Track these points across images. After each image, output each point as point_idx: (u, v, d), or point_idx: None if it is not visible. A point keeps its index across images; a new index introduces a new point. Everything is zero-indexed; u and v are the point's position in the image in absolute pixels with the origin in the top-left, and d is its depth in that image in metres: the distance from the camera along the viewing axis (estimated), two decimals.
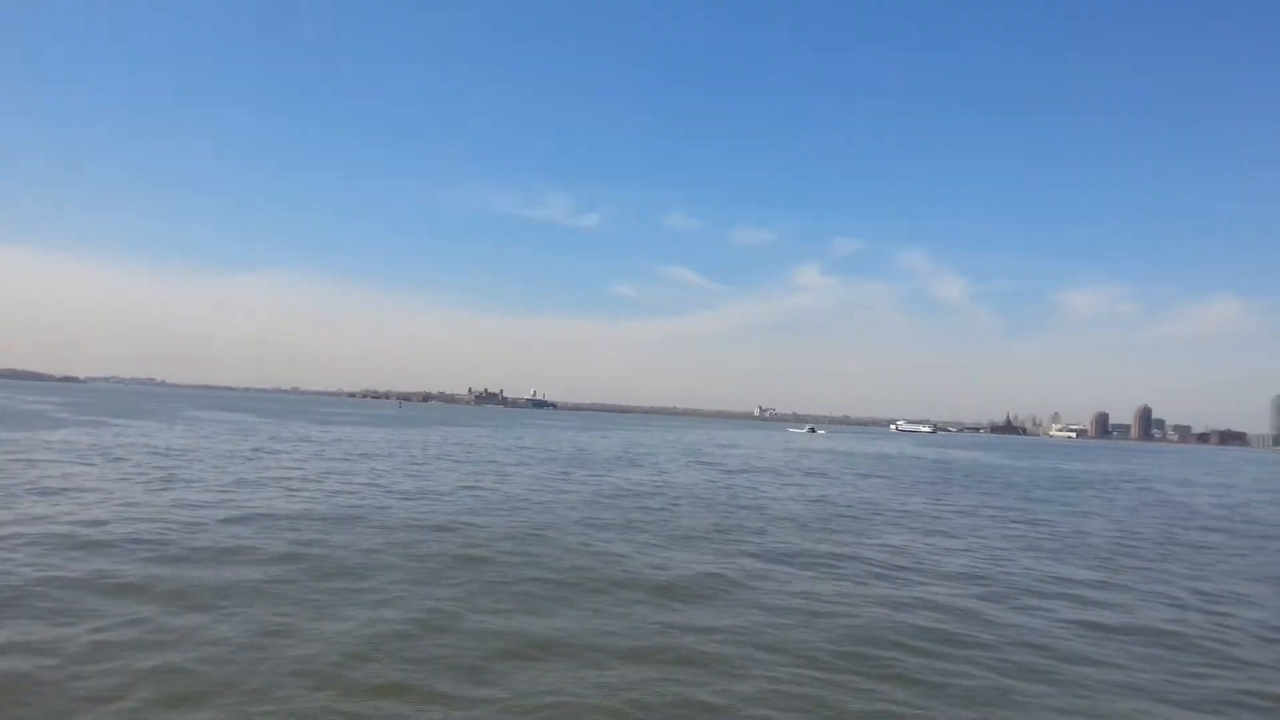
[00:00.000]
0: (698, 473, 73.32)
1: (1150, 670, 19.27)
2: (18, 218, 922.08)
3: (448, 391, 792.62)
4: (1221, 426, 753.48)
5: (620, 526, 36.94)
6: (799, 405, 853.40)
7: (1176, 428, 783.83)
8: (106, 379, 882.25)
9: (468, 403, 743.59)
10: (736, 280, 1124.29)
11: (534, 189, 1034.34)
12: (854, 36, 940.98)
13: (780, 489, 60.59)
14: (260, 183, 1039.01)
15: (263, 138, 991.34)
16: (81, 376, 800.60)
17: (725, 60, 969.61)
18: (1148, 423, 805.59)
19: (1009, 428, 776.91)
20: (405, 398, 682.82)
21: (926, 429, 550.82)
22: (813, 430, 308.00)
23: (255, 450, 69.47)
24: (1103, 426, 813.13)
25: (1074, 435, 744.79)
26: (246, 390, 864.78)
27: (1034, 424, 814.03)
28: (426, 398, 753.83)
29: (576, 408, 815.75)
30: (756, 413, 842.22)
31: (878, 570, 29.71)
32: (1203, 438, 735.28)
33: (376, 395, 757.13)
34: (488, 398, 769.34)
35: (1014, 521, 47.67)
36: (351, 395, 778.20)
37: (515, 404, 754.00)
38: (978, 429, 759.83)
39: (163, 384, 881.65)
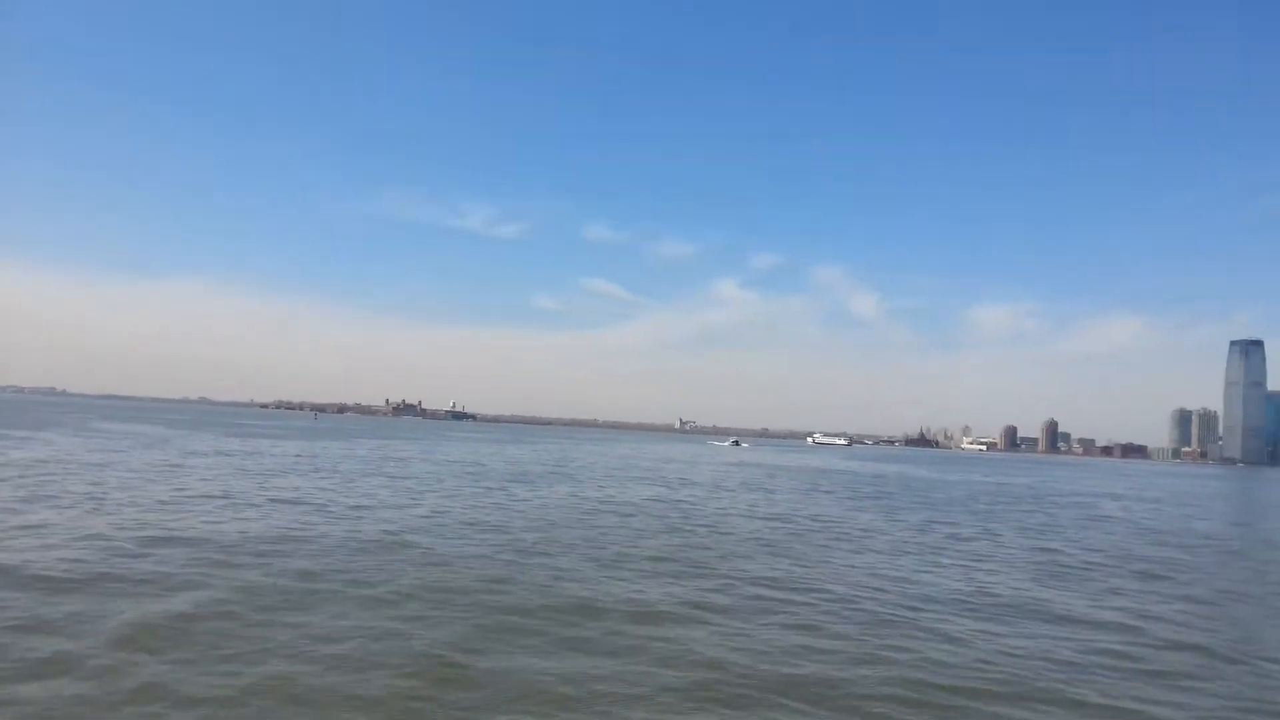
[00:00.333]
0: (642, 488, 71.16)
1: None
2: None
3: (364, 403, 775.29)
4: (1123, 439, 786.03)
5: (586, 551, 34.40)
6: (718, 418, 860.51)
7: (1081, 441, 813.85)
8: (3, 388, 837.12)
9: (385, 414, 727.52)
10: (657, 293, 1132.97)
11: (454, 198, 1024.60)
12: (774, 60, 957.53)
13: (731, 505, 58.75)
14: (169, 188, 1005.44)
15: (173, 142, 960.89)
16: None
17: (646, 76, 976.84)
18: (1054, 436, 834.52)
19: (923, 441, 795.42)
20: (320, 409, 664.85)
21: (842, 441, 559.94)
22: (736, 443, 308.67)
23: (172, 465, 64.71)
24: (1012, 439, 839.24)
25: (984, 448, 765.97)
26: (154, 400, 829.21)
27: (946, 437, 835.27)
28: (342, 409, 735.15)
29: (496, 419, 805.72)
30: (677, 425, 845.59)
31: (882, 604, 27.85)
32: (1106, 451, 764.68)
33: (290, 406, 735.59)
34: (405, 409, 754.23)
35: (974, 539, 46.62)
36: (263, 406, 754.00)
37: (434, 415, 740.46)
38: (892, 442, 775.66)
39: (65, 394, 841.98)
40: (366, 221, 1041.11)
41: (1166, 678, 20.20)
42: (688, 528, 44.25)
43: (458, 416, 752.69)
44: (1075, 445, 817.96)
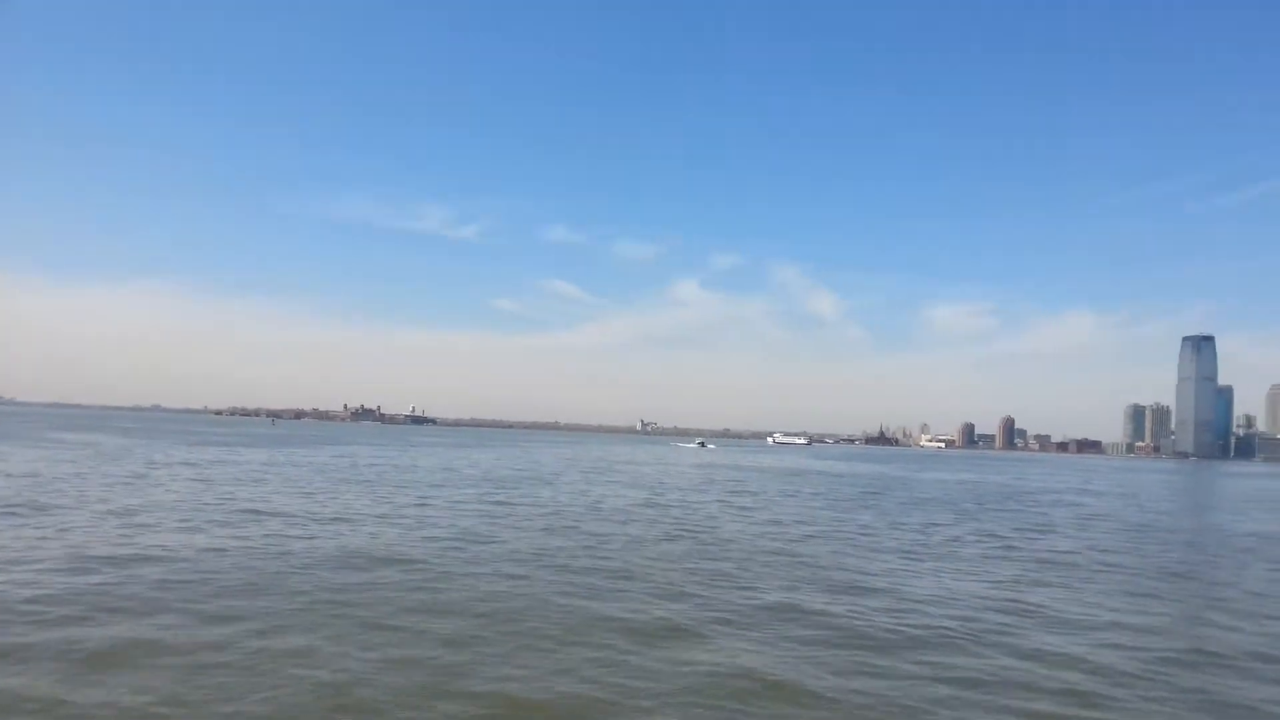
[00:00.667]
0: (626, 491, 69.18)
1: None
2: None
3: (321, 408, 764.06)
4: (1077, 435, 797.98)
5: (594, 562, 32.19)
6: (680, 419, 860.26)
7: (1037, 437, 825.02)
8: None
9: (343, 419, 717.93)
10: (617, 294, 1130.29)
11: (410, 200, 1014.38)
12: (729, 60, 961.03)
13: (720, 511, 56.81)
14: (120, 188, 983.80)
15: (120, 142, 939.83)
16: None
17: (602, 76, 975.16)
18: (1011, 432, 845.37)
19: (882, 439, 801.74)
20: (277, 415, 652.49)
21: (802, 440, 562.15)
22: (702, 444, 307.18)
23: (135, 476, 61.31)
24: (969, 436, 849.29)
25: (943, 445, 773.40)
26: (105, 408, 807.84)
27: (905, 435, 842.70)
28: (299, 415, 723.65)
29: (457, 423, 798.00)
30: (639, 427, 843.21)
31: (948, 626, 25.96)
32: (1062, 446, 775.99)
33: (245, 413, 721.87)
34: (364, 414, 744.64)
35: (980, 540, 45.23)
36: (218, 413, 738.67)
37: (394, 420, 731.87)
38: (853, 440, 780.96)
39: (11, 402, 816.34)
40: (319, 223, 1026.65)
41: None
42: (687, 534, 42.31)
43: (418, 421, 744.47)
44: (1032, 441, 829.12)
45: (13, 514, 38.23)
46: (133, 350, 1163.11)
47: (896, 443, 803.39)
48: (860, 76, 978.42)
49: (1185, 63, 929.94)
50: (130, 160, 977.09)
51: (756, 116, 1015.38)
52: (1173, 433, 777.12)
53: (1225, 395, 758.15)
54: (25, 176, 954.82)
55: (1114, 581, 33.29)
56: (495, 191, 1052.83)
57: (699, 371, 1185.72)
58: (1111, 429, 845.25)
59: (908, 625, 23.62)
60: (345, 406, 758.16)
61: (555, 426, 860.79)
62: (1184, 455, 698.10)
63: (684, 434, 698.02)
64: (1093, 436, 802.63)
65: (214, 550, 30.86)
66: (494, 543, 36.26)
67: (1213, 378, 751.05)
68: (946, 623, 24.15)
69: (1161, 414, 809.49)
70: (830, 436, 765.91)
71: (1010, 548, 42.63)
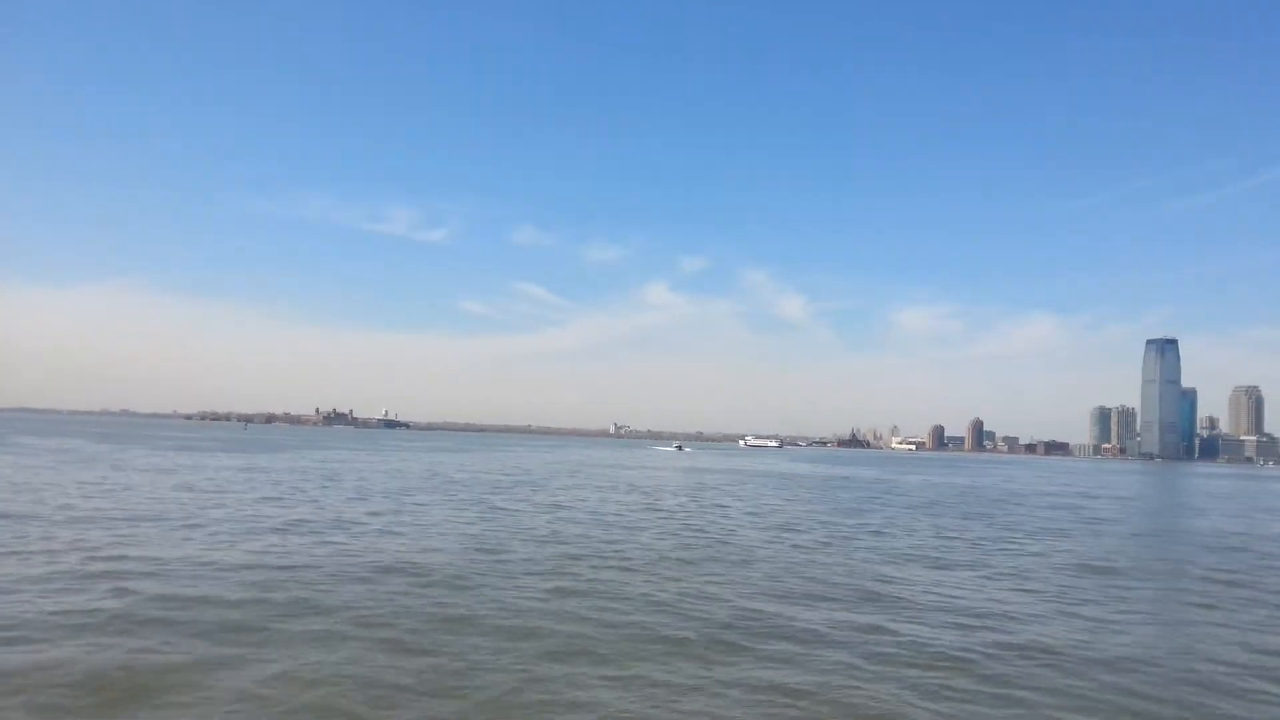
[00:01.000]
0: (622, 497, 68.33)
1: None
2: None
3: (292, 412, 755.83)
4: (1045, 437, 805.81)
5: (624, 574, 31.35)
6: (652, 422, 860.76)
7: (1006, 439, 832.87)
8: None
9: (315, 423, 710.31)
10: (587, 297, 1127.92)
11: (376, 201, 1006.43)
12: (697, 60, 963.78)
13: (725, 518, 55.97)
14: (85, 188, 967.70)
15: (87, 134, 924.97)
16: None
17: (571, 76, 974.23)
18: (980, 434, 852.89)
19: (854, 441, 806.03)
20: (248, 419, 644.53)
21: (774, 444, 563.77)
22: (680, 448, 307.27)
23: (109, 481, 59.53)
24: (939, 438, 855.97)
25: (913, 448, 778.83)
26: (73, 413, 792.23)
27: (875, 437, 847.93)
28: (270, 419, 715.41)
29: (429, 427, 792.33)
30: (612, 430, 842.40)
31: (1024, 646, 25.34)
32: (1030, 448, 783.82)
33: (216, 417, 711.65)
34: (336, 418, 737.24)
35: (1001, 546, 44.88)
36: (188, 417, 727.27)
37: (366, 424, 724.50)
38: (824, 443, 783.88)
39: None
40: (286, 225, 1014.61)
41: None
42: (703, 542, 41.50)
43: (390, 424, 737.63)
44: (1000, 443, 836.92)
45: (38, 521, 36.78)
46: (99, 353, 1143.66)
47: (868, 445, 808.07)
48: (828, 81, 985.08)
49: (1146, 70, 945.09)
50: (94, 158, 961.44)
51: (723, 120, 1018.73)
52: (1138, 434, 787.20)
53: (1189, 397, 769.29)
54: None
55: (1162, 589, 32.99)
56: (463, 194, 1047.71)
57: (670, 374, 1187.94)
58: (1078, 431, 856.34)
59: (996, 643, 23.02)
60: (317, 410, 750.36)
61: (528, 430, 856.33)
62: (1149, 457, 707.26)
63: (657, 437, 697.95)
64: (1060, 438, 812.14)
65: (279, 564, 29.70)
66: (505, 552, 35.33)
67: (1176, 380, 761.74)
68: (1044, 640, 23.60)
69: (1127, 416, 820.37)
70: (802, 439, 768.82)
71: (1039, 555, 42.31)
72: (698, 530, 46.44)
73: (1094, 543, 48.55)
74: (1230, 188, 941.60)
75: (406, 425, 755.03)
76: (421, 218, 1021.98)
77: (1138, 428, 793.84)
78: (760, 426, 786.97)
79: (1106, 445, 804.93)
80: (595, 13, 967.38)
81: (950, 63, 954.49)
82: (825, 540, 43.93)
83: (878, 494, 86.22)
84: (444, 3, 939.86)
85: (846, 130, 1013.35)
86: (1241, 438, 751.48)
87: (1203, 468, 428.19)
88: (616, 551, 36.69)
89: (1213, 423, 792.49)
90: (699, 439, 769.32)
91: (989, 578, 33.58)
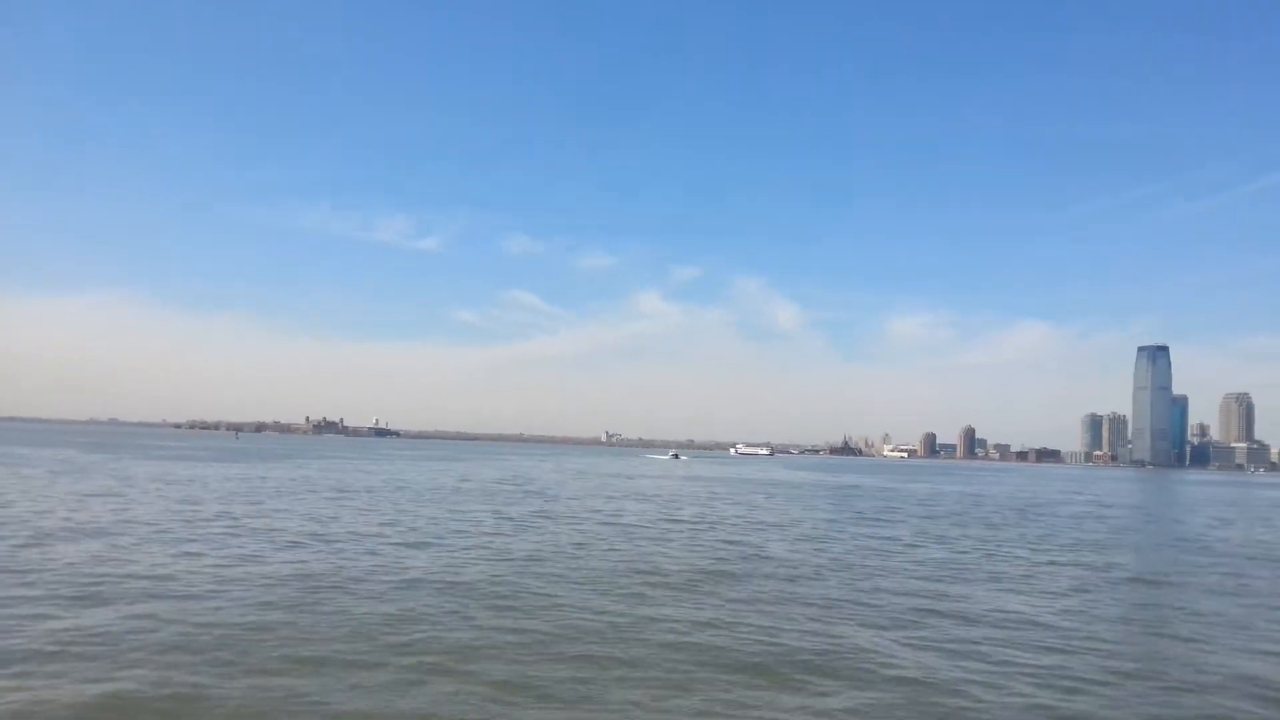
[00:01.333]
0: (636, 506, 67.19)
1: None
2: None
3: (282, 421, 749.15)
4: (1036, 444, 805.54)
5: (684, 591, 30.00)
6: (644, 430, 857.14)
7: (997, 446, 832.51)
8: None
9: (305, 432, 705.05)
10: (579, 305, 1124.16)
11: (367, 210, 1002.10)
12: (691, 69, 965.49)
13: (749, 529, 54.74)
14: (74, 197, 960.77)
15: (77, 142, 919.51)
16: None
17: (564, 85, 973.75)
18: (972, 442, 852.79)
19: (846, 449, 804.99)
20: (237, 428, 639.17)
21: (765, 451, 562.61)
22: (675, 456, 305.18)
23: (109, 492, 57.84)
24: (931, 446, 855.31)
25: (905, 455, 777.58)
26: (61, 422, 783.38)
27: (867, 445, 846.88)
28: (260, 428, 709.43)
29: (420, 435, 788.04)
30: (604, 438, 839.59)
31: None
32: (1022, 456, 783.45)
33: (205, 426, 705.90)
34: (327, 426, 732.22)
35: (1051, 558, 43.70)
36: (177, 426, 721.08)
37: (357, 433, 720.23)
38: (817, 450, 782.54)
39: None
40: (276, 233, 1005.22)
41: None
42: (738, 556, 40.24)
43: (381, 433, 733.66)
44: (992, 451, 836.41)
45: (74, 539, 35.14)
46: (86, 363, 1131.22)
47: (860, 452, 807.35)
48: (820, 90, 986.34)
49: (1137, 78, 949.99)
50: (84, 166, 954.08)
51: (716, 129, 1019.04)
52: (1129, 442, 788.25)
53: (1180, 404, 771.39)
54: None
55: (1244, 605, 31.82)
56: (456, 203, 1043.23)
57: (662, 383, 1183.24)
58: (1069, 438, 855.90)
59: (1101, 668, 21.75)
60: (307, 419, 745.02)
61: (520, 439, 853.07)
62: (1141, 464, 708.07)
63: (649, 445, 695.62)
64: (1051, 445, 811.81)
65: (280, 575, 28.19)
66: (533, 561, 33.96)
67: (1167, 387, 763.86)
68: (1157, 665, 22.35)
69: (1118, 423, 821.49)
70: (794, 447, 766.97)
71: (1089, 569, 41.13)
72: (727, 542, 45.15)
73: (1144, 557, 47.43)
74: (1220, 196, 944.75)
75: (397, 434, 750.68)
76: (414, 226, 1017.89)
77: (1129, 435, 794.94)
78: (751, 434, 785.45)
79: (1098, 452, 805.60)
80: (587, 23, 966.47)
81: (944, 69, 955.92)
82: (863, 553, 42.67)
83: (893, 503, 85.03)
84: (438, 10, 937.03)
85: (839, 139, 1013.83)
86: (1232, 445, 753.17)
87: (1194, 475, 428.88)
88: (654, 565, 35.37)
89: (1203, 430, 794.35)
90: (690, 447, 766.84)
91: (1055, 594, 32.36)
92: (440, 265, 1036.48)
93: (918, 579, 34.14)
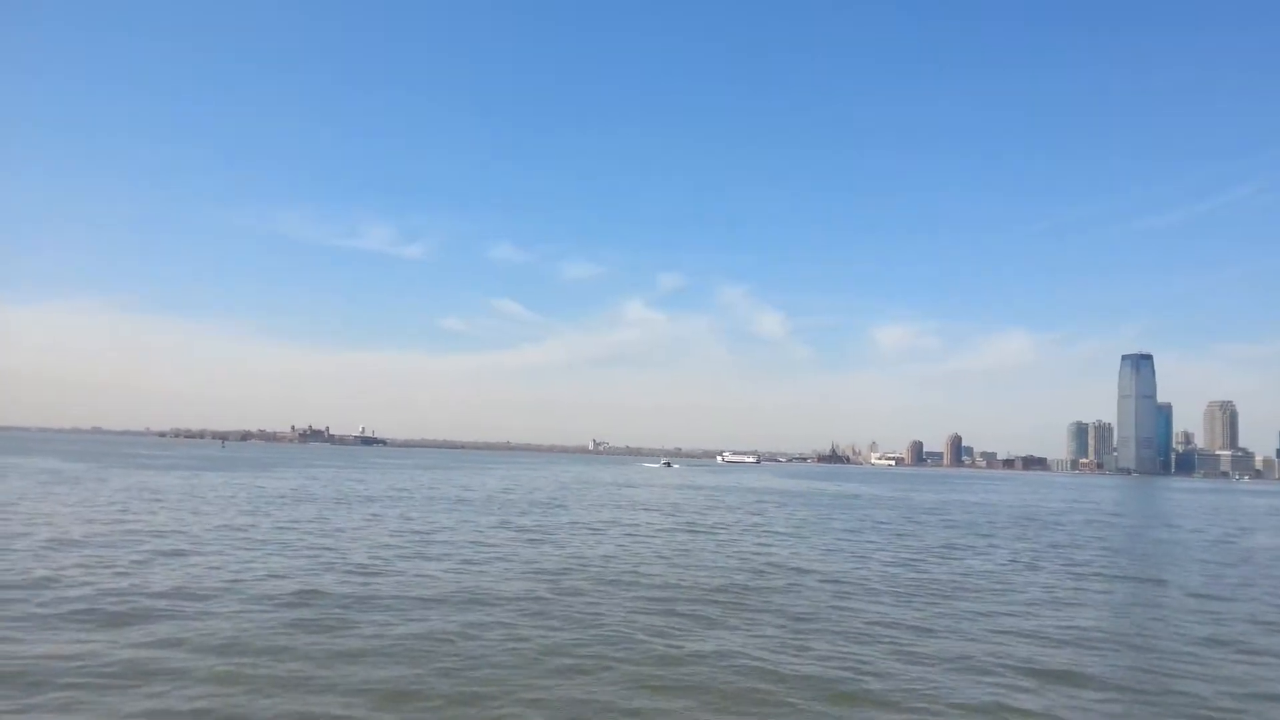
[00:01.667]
0: (648, 518, 65.41)
1: None
2: None
3: (268, 429, 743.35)
4: (1022, 452, 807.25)
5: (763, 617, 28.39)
6: (630, 438, 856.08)
7: (984, 454, 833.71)
8: None
9: (291, 440, 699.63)
10: (565, 314, 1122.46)
11: (351, 218, 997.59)
12: (675, 77, 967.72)
13: (772, 540, 53.16)
14: (56, 204, 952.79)
15: (56, 146, 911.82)
16: None
17: (546, 92, 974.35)
18: (958, 450, 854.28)
19: (834, 457, 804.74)
20: (223, 436, 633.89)
21: (752, 459, 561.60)
22: (668, 464, 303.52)
23: (112, 505, 55.71)
24: (918, 454, 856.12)
25: (893, 463, 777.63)
26: (42, 430, 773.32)
27: (855, 453, 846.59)
28: (245, 436, 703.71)
29: (407, 444, 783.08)
30: (591, 446, 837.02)
31: None
32: (1008, 463, 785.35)
33: (190, 434, 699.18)
34: (313, 435, 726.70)
35: (1096, 571, 42.34)
36: (161, 435, 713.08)
37: (343, 441, 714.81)
38: (804, 459, 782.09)
39: None
40: (261, 240, 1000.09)
41: None
42: (773, 570, 38.64)
43: (367, 442, 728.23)
44: (979, 458, 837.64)
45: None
46: (69, 371, 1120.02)
47: (847, 461, 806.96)
48: (806, 97, 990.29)
49: (1118, 87, 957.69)
50: (63, 170, 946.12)
51: (701, 138, 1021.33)
52: (1115, 449, 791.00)
53: (1165, 412, 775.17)
54: None
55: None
56: (441, 210, 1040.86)
57: (648, 391, 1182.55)
58: (1055, 446, 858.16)
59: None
60: (293, 428, 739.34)
61: (507, 447, 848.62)
62: (1126, 471, 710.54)
63: (636, 453, 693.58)
64: (1037, 453, 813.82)
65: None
66: (563, 576, 32.29)
67: (1152, 395, 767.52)
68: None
69: (1104, 431, 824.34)
70: (781, 455, 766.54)
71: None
72: (756, 555, 43.54)
73: (1188, 570, 46.11)
74: (1205, 203, 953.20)
75: (384, 442, 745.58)
76: (398, 234, 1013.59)
77: (1114, 443, 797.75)
78: (738, 443, 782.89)
79: (1084, 460, 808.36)
80: (571, 32, 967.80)
81: (929, 77, 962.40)
82: (899, 567, 41.13)
83: (905, 513, 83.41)
84: (420, 18, 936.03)
85: (825, 148, 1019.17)
86: (1217, 452, 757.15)
87: (1180, 482, 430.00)
88: (695, 581, 33.63)
89: (1188, 437, 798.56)
90: (677, 455, 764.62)
91: (1117, 611, 30.97)
92: (425, 273, 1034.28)
93: (978, 593, 32.65)
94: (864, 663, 21.03)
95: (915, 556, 45.01)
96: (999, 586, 34.82)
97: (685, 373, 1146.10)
